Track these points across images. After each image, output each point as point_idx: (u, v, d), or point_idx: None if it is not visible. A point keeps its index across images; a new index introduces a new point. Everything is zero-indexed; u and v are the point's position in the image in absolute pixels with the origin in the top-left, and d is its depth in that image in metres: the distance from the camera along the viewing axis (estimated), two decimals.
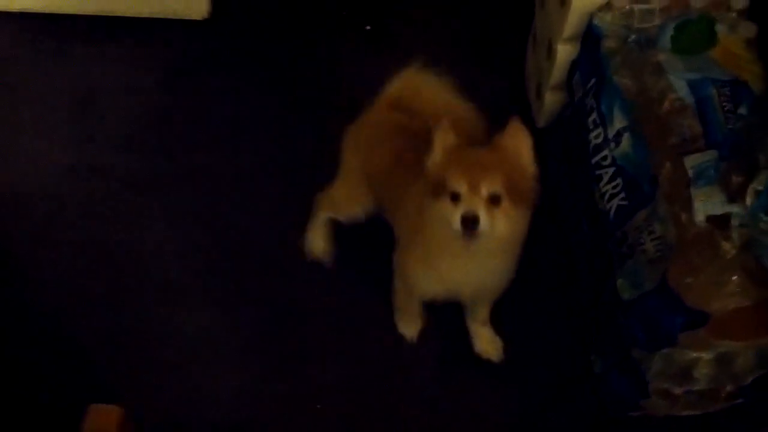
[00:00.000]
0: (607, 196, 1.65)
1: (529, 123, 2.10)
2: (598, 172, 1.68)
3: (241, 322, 1.83)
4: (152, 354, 1.78)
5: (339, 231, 1.87)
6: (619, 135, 1.63)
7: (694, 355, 1.55)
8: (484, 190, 1.36)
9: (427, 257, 1.54)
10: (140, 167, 2.05)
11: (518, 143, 1.41)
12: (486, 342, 1.81)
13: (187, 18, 2.25)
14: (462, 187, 1.36)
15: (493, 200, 1.37)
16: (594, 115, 1.70)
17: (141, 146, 2.09)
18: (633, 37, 1.66)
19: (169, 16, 2.24)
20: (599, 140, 1.69)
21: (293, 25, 2.35)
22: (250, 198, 2.03)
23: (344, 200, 1.79)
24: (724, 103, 1.49)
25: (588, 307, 1.77)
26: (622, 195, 1.59)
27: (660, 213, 1.48)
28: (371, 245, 1.80)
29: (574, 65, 1.84)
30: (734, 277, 1.39)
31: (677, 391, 1.65)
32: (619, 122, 1.63)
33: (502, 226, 1.39)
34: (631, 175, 1.58)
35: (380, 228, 1.73)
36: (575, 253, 1.84)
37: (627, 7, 1.68)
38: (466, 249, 1.42)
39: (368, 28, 2.36)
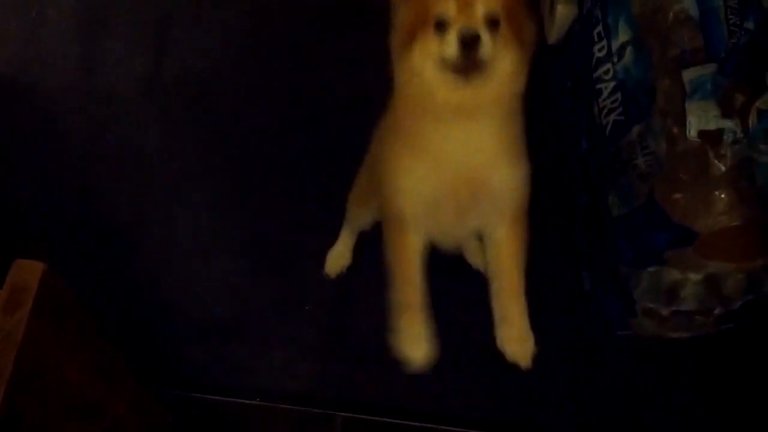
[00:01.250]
0: (605, 111, 1.61)
1: (541, 39, 2.07)
2: (598, 86, 1.64)
3: (233, 225, 1.84)
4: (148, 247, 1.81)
5: None
6: (622, 48, 1.58)
7: (682, 275, 1.53)
8: (480, 7, 1.08)
9: (408, 144, 1.21)
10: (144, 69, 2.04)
11: None
12: (513, 340, 1.31)
13: None
14: (450, 9, 1.08)
15: (491, 24, 1.09)
16: (599, 27, 1.65)
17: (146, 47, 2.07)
18: None
19: None
20: (603, 53, 1.64)
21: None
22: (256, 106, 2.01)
23: (365, 191, 1.57)
24: (731, 16, 1.43)
25: (581, 225, 1.75)
26: (620, 110, 1.55)
27: (654, 128, 1.44)
28: None
29: None
30: (723, 195, 1.36)
31: (665, 311, 1.64)
32: (623, 35, 1.58)
33: (504, 59, 1.11)
34: (630, 90, 1.54)
35: None
36: (573, 170, 1.81)
37: None
38: (455, 106, 1.12)
39: None
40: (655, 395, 1.77)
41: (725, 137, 1.35)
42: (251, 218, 1.89)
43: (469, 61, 1.09)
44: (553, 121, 1.95)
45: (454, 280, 1.60)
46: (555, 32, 2.02)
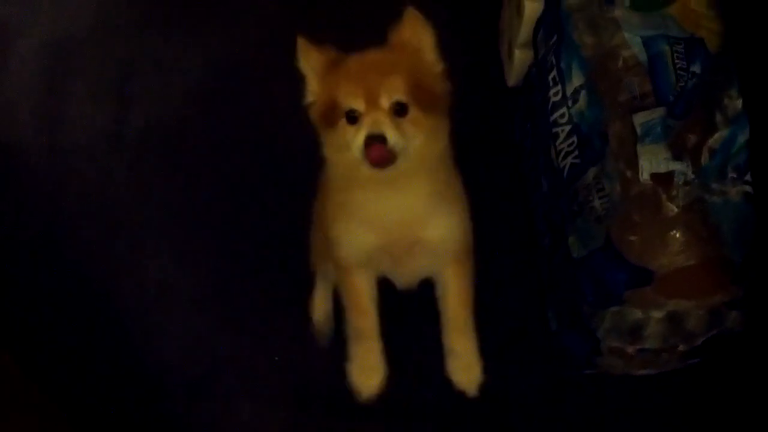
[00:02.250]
0: (562, 154, 1.64)
1: (501, 82, 2.11)
2: (555, 130, 1.67)
3: (201, 274, 1.84)
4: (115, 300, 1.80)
5: None
6: (576, 92, 1.62)
7: (644, 313, 1.55)
8: (385, 100, 1.14)
9: (341, 206, 1.28)
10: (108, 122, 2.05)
11: (418, 35, 1.18)
12: (460, 368, 1.43)
13: None
14: (358, 102, 1.14)
15: (399, 110, 1.15)
16: (554, 72, 1.68)
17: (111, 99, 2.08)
18: None
19: None
20: (558, 98, 1.67)
21: None
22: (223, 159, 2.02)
23: (321, 244, 1.58)
24: (677, 61, 1.47)
25: (545, 266, 1.77)
26: (576, 153, 1.58)
27: (608, 170, 1.47)
28: None
29: (539, 22, 1.82)
30: (677, 236, 1.38)
31: (630, 349, 1.66)
32: (577, 80, 1.62)
33: (414, 139, 1.16)
34: (584, 133, 1.57)
35: None
36: (535, 211, 1.84)
37: None
38: (380, 177, 1.18)
39: None
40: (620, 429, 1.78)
41: (676, 179, 1.38)
42: (219, 268, 1.89)
43: (378, 157, 1.15)
44: (515, 163, 1.98)
45: (410, 312, 1.60)
46: (514, 75, 2.07)
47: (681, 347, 1.66)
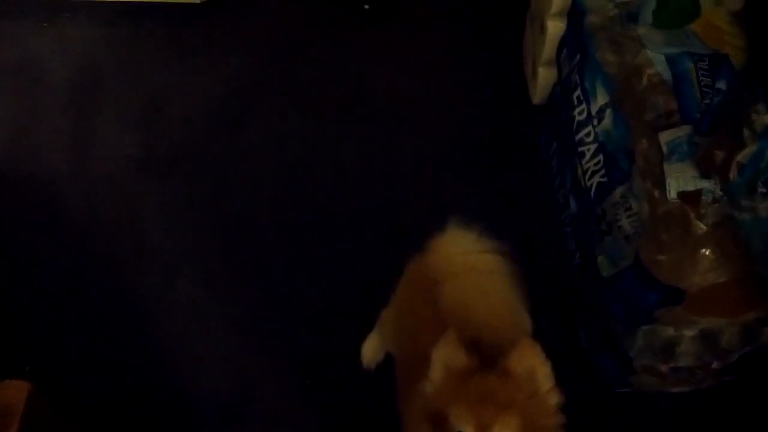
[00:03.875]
0: (588, 174, 1.64)
1: (526, 101, 2.12)
2: (581, 149, 1.67)
3: (233, 298, 1.86)
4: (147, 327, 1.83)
5: None
6: (601, 111, 1.62)
7: (676, 332, 1.54)
8: None
9: None
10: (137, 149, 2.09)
11: (532, 367, 1.13)
12: None
13: (184, 1, 2.27)
14: (468, 429, 1.08)
15: None
16: (578, 92, 1.69)
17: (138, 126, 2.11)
18: (616, 11, 1.64)
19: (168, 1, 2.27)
20: (583, 116, 1.68)
21: (291, 6, 2.35)
22: (247, 179, 2.05)
23: (387, 332, 1.61)
24: (702, 78, 1.47)
25: (575, 285, 1.77)
26: (602, 172, 1.58)
27: (635, 190, 1.47)
28: None
29: (563, 41, 1.82)
30: (707, 254, 1.37)
31: (663, 368, 1.65)
32: (601, 98, 1.62)
33: None
34: (610, 152, 1.57)
35: None
36: (564, 231, 1.84)
37: None
38: None
39: (366, 7, 2.36)
40: None
41: (704, 197, 1.37)
42: (251, 294, 1.90)
43: None
44: (542, 182, 1.98)
45: None
46: (538, 93, 2.07)
47: (715, 365, 1.64)
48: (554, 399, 1.14)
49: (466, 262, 1.34)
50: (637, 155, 1.48)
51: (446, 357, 1.13)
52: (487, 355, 1.15)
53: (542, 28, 1.95)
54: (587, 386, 1.77)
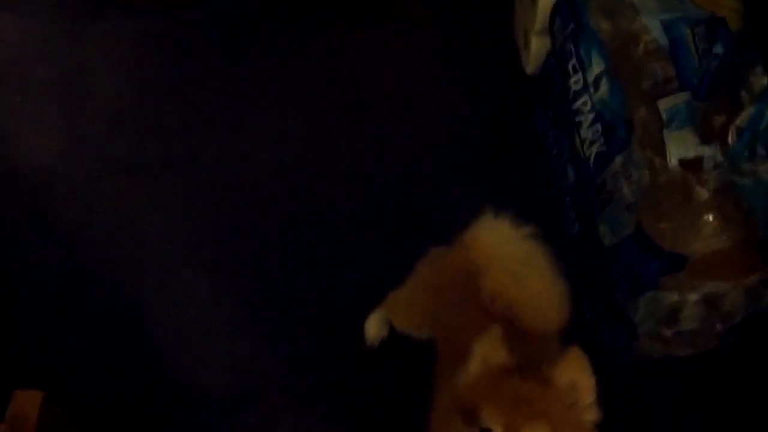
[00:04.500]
0: (587, 143, 1.64)
1: (519, 71, 2.11)
2: (578, 119, 1.66)
3: (236, 296, 1.85)
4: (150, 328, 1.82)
5: None
6: (597, 80, 1.61)
7: (680, 297, 1.55)
8: None
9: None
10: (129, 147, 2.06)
11: (575, 379, 1.10)
12: None
13: None
14: (496, 429, 1.07)
15: None
16: (573, 61, 1.68)
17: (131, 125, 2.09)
18: None
19: None
20: (579, 86, 1.67)
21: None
22: (245, 178, 2.03)
23: (399, 312, 1.62)
24: (699, 43, 1.46)
25: (576, 255, 1.77)
26: (601, 141, 1.58)
27: (635, 158, 1.47)
28: None
29: (555, 10, 1.81)
30: (710, 220, 1.38)
31: (667, 333, 1.66)
32: (597, 67, 1.61)
33: None
34: (608, 121, 1.56)
35: None
36: (563, 201, 1.83)
37: None
38: None
39: None
40: (667, 414, 1.78)
41: (706, 163, 1.37)
42: (251, 293, 1.87)
43: None
44: (539, 152, 1.97)
45: None
46: (532, 63, 2.06)
47: (719, 327, 1.65)
48: (592, 415, 1.11)
49: (505, 251, 1.34)
50: (636, 123, 1.47)
51: (486, 352, 1.12)
52: (529, 356, 1.13)
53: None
54: (591, 355, 1.78)
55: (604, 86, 1.59)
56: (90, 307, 1.84)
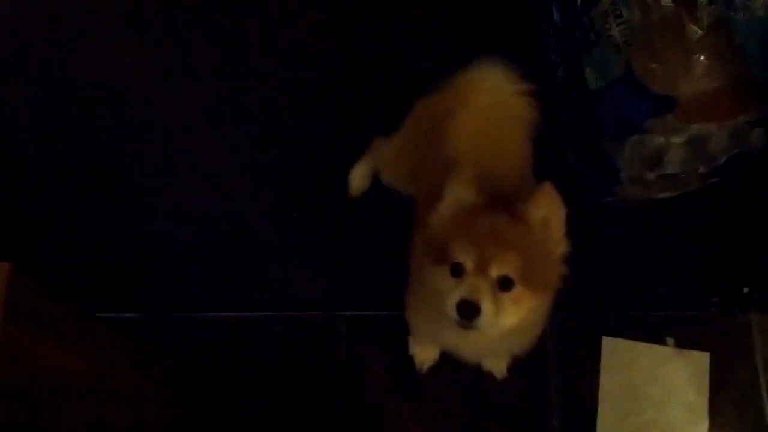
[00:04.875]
0: None
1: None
2: None
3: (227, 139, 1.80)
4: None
5: None
6: None
7: (665, 140, 1.52)
8: (494, 271, 1.08)
9: (422, 315, 1.33)
10: None
11: (548, 215, 1.11)
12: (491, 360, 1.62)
13: None
14: (467, 262, 1.09)
15: (503, 284, 1.09)
16: None
17: None
18: None
19: None
20: None
21: None
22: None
23: (387, 164, 1.60)
24: None
25: (560, 99, 1.71)
26: None
27: None
28: None
29: None
30: (701, 59, 1.32)
31: (649, 176, 1.64)
32: None
33: (510, 318, 1.11)
34: None
35: None
36: (546, 42, 1.76)
37: None
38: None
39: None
40: (649, 254, 1.79)
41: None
42: (246, 128, 1.84)
43: (466, 324, 1.09)
44: None
45: None
46: None
47: (702, 169, 1.63)
48: (561, 248, 1.13)
49: (487, 99, 1.31)
50: None
51: (458, 192, 1.13)
52: (500, 197, 1.14)
53: None
54: (572, 200, 1.76)
55: None
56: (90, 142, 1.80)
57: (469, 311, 1.07)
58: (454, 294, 1.08)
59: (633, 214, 1.80)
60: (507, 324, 1.11)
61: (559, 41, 1.68)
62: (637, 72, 1.37)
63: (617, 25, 1.42)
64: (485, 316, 1.07)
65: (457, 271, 1.10)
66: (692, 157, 1.58)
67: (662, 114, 1.41)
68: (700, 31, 1.30)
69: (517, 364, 1.61)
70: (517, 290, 1.09)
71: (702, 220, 1.79)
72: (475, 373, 1.62)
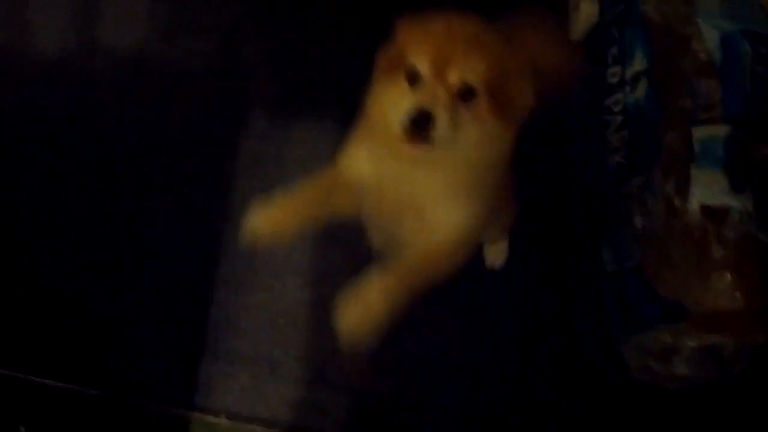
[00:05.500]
0: (610, 147, 1.44)
1: (564, 33, 1.86)
2: (608, 117, 1.45)
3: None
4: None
5: None
6: (636, 79, 1.39)
7: (676, 341, 1.38)
8: (454, 76, 0.94)
9: (366, 146, 1.10)
10: None
11: (542, 31, 1.05)
12: (492, 251, 1.53)
13: None
14: (423, 65, 0.95)
15: (465, 94, 0.95)
16: (615, 49, 1.45)
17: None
18: None
19: None
20: (615, 80, 1.45)
21: None
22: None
23: None
24: (757, 67, 1.22)
25: (576, 256, 1.59)
26: (624, 153, 1.37)
27: (654, 186, 1.27)
28: None
29: None
30: (723, 278, 1.19)
31: (657, 368, 1.50)
32: (639, 64, 1.39)
33: (468, 133, 0.96)
34: (637, 132, 1.36)
35: None
36: (575, 196, 1.64)
37: None
38: (413, 156, 0.98)
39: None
40: None
41: (732, 215, 1.17)
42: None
43: (417, 137, 0.95)
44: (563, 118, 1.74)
45: None
46: (578, 29, 1.82)
47: (715, 374, 1.49)
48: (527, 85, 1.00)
49: None
50: (664, 146, 1.26)
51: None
52: None
53: None
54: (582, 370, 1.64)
55: (641, 89, 1.38)
56: None
57: (421, 120, 0.93)
58: (405, 102, 0.95)
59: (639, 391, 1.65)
60: (463, 140, 0.96)
61: (586, 197, 1.56)
62: (648, 273, 1.25)
63: (640, 213, 1.31)
64: (440, 128, 0.93)
65: (414, 78, 0.96)
66: (705, 362, 1.44)
67: (674, 322, 1.28)
68: (724, 251, 1.17)
69: None
70: (481, 104, 0.95)
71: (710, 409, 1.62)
72: None
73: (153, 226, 1.73)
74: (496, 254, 1.56)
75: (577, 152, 1.59)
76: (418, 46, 0.96)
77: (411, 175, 1.06)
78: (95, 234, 1.73)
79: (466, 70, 0.94)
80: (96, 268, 1.69)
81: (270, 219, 1.11)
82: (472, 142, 0.98)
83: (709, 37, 1.25)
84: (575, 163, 1.59)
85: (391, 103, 0.98)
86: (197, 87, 1.85)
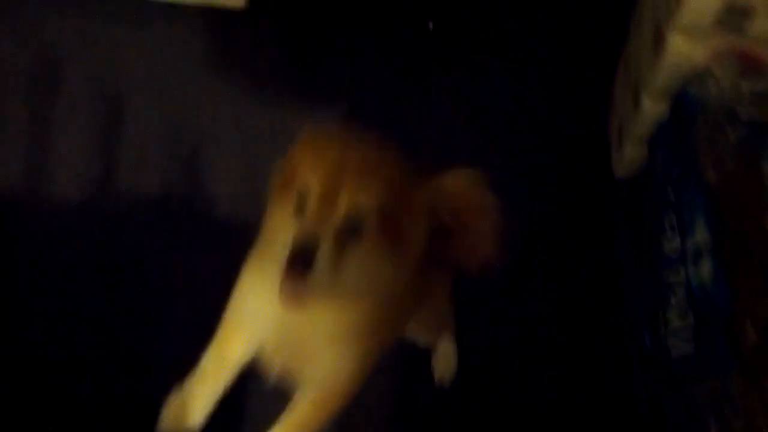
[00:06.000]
0: (672, 328, 1.26)
1: (606, 169, 1.72)
2: (666, 293, 1.28)
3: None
4: None
5: None
6: (698, 254, 1.23)
7: None
8: (343, 207, 0.85)
9: (258, 276, 1.01)
10: None
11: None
12: (440, 358, 1.44)
13: (224, 7, 1.90)
14: (312, 192, 0.86)
15: (353, 226, 0.85)
16: (671, 216, 1.29)
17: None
18: (741, 130, 1.21)
19: (207, 5, 1.89)
20: (673, 247, 1.29)
21: (338, 19, 1.95)
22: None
23: None
24: None
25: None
26: (690, 343, 1.20)
27: (735, 399, 1.08)
28: None
29: (661, 132, 1.42)
30: None
31: None
32: (700, 236, 1.23)
33: (357, 270, 0.87)
34: (705, 316, 1.18)
35: None
36: (633, 369, 1.46)
37: (731, 81, 1.24)
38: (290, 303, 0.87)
39: (431, 26, 1.96)
40: None
41: None
42: None
43: (294, 277, 0.83)
44: (614, 272, 1.59)
45: None
46: (622, 168, 1.68)
47: None
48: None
49: None
50: (744, 344, 1.09)
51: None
52: None
53: (637, 101, 1.53)
54: None
55: (705, 266, 1.21)
56: None
57: (301, 257, 0.82)
58: (291, 233, 0.85)
59: None
60: (353, 275, 0.86)
61: (646, 376, 1.38)
62: None
63: (714, 422, 1.12)
64: (320, 265, 0.82)
65: (301, 204, 0.86)
66: None
67: None
68: None
69: None
70: (369, 236, 0.85)
71: None
72: None
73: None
74: (444, 363, 1.43)
75: (635, 311, 1.41)
76: (310, 170, 0.87)
77: (297, 317, 0.94)
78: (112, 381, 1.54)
79: (357, 196, 0.85)
80: None
81: (183, 410, 1.06)
82: (360, 277, 0.88)
83: None
84: (631, 321, 1.42)
85: (279, 228, 0.89)
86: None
